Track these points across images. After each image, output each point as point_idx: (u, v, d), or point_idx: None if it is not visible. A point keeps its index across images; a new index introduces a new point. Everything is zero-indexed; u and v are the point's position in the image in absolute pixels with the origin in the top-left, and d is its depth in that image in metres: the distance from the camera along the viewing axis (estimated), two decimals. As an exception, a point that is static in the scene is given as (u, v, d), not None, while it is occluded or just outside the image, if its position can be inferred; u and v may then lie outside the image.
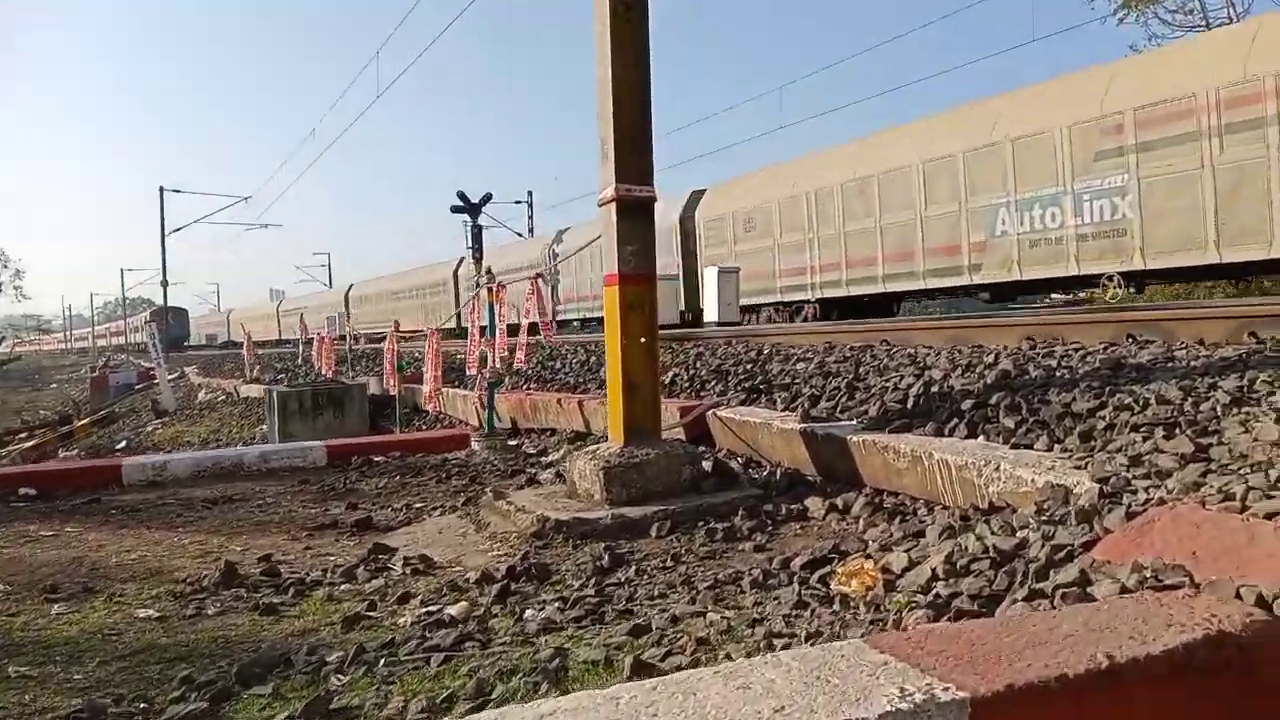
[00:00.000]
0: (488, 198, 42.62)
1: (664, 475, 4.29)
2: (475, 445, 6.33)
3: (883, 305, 19.56)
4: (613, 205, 4.42)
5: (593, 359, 8.70)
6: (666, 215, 24.59)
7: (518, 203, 53.75)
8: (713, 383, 5.98)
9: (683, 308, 24.27)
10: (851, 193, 18.21)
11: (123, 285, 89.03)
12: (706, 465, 4.63)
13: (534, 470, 5.61)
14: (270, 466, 6.20)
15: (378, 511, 4.82)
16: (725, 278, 21.80)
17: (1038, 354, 4.70)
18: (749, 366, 6.15)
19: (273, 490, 5.60)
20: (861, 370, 5.10)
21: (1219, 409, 3.35)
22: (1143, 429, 3.29)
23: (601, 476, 4.19)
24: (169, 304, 73.29)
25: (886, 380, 4.73)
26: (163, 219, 50.06)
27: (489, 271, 6.86)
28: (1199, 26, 30.40)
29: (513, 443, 6.78)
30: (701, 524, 3.93)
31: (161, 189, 50.12)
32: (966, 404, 3.99)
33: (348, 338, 16.50)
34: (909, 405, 4.29)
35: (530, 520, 4.01)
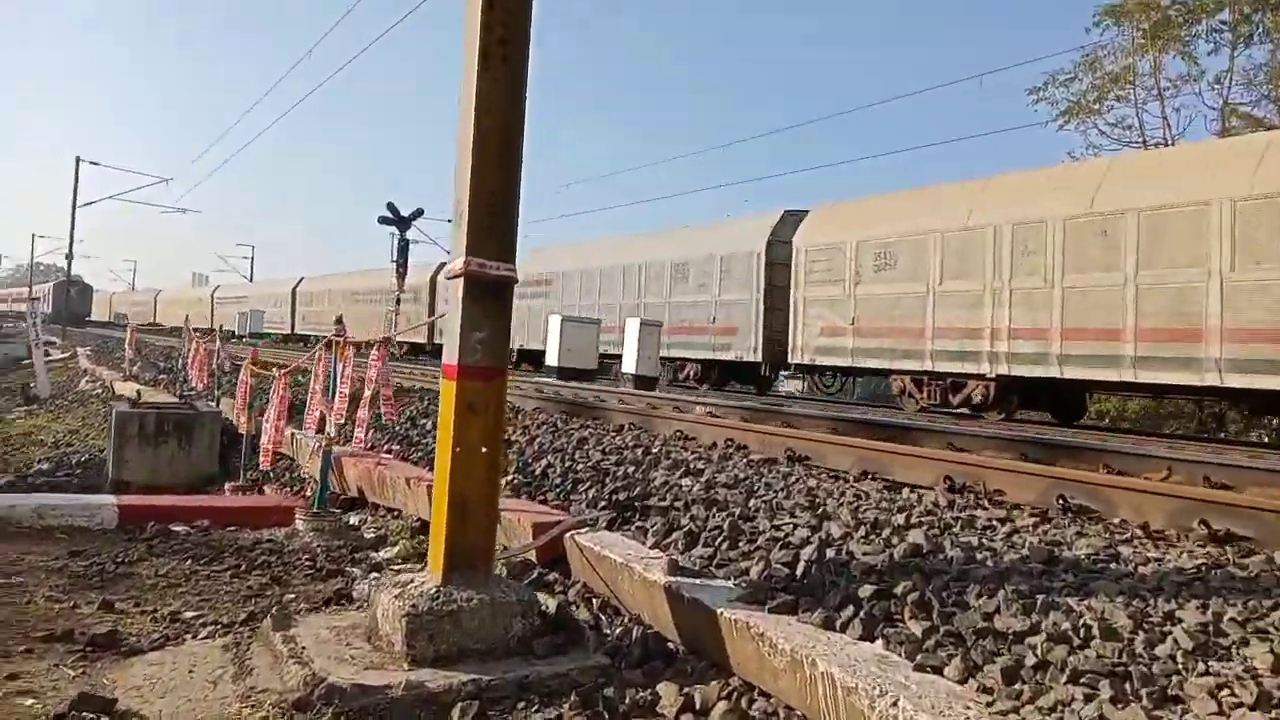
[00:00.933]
0: (419, 212, 41.27)
1: (487, 628, 3.41)
2: (300, 524, 5.36)
3: (1074, 393, 15.02)
4: (460, 281, 3.57)
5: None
6: (747, 239, 21.37)
7: (448, 221, 52.79)
8: (587, 484, 5.13)
9: (757, 358, 20.81)
10: (1084, 233, 13.15)
11: (32, 251, 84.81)
12: (551, 605, 3.78)
13: (356, 571, 4.67)
14: (45, 524, 5.14)
15: (135, 618, 3.83)
16: (647, 330, 21.20)
17: (957, 520, 3.95)
18: (631, 470, 5.31)
19: (31, 561, 4.55)
20: (752, 505, 4.29)
21: (1179, 657, 2.61)
22: (1084, 677, 2.52)
23: (404, 626, 3.28)
24: (72, 278, 70.47)
25: (778, 527, 3.92)
26: (75, 190, 48.00)
27: (338, 320, 5.89)
28: (1136, 143, 31.13)
29: (354, 520, 5.83)
30: (521, 706, 3.07)
31: (78, 159, 48.05)
32: (866, 589, 3.19)
33: (218, 345, 15.11)
34: (798, 571, 3.49)
35: (298, 679, 3.09)
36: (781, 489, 4.64)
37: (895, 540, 3.66)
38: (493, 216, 3.63)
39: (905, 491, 4.74)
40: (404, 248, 40.74)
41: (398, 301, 40.04)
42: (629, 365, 21.02)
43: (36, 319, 23.09)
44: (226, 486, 7.89)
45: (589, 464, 5.57)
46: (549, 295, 29.88)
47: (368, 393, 5.16)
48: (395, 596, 3.41)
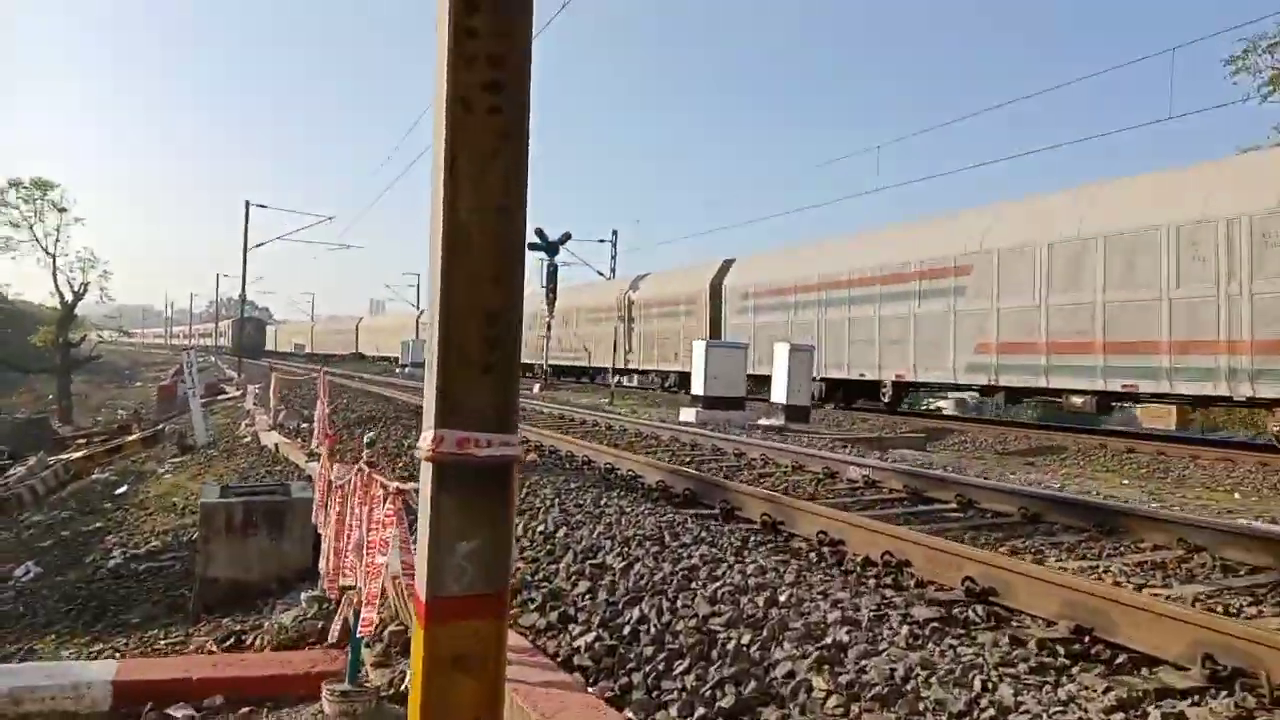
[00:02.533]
0: (566, 236, 41.40)
1: None
2: (326, 705, 4.19)
3: None
4: (430, 467, 2.26)
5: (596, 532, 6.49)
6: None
7: (601, 241, 52.47)
8: (685, 665, 3.74)
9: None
10: None
11: (217, 290, 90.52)
12: None
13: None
14: (24, 712, 4.16)
15: None
16: (798, 357, 19.61)
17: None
18: (746, 640, 3.88)
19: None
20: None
21: None
22: None
23: None
24: (251, 314, 74.39)
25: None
26: (245, 234, 50.17)
27: (366, 455, 4.65)
28: (1354, 109, 27.14)
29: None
30: None
31: (247, 204, 50.40)
32: None
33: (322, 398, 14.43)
34: None
35: None
36: (958, 703, 3.11)
37: None
38: (482, 357, 2.32)
39: (1152, 713, 3.12)
40: (552, 273, 40.60)
41: (548, 328, 39.77)
42: (779, 394, 19.49)
43: (192, 368, 23.42)
44: (303, 597, 6.92)
45: (693, 622, 4.18)
46: (963, 293, 19.67)
47: (368, 561, 3.89)
48: None
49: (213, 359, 74.62)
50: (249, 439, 21.05)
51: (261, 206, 50.41)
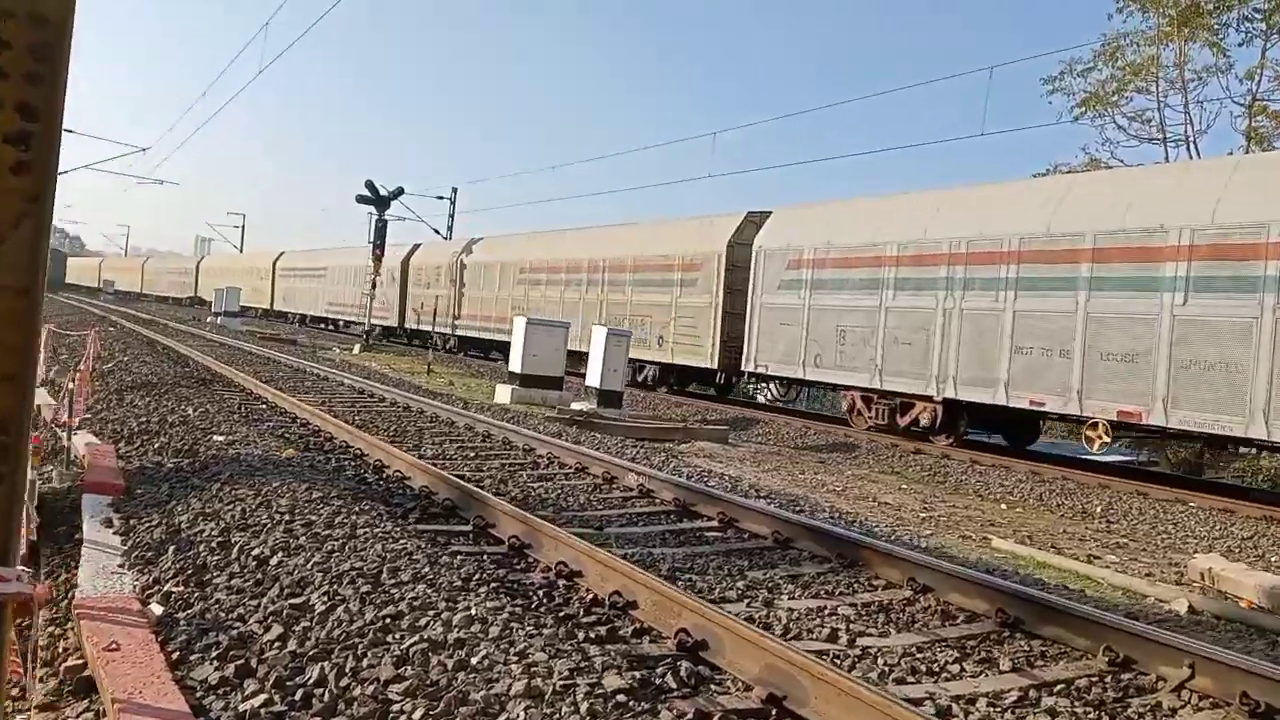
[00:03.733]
0: (399, 191, 39.99)
1: None
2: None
3: None
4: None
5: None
6: None
7: (439, 198, 51.08)
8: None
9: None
10: None
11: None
12: None
13: None
14: None
15: None
16: (614, 340, 19.53)
17: None
18: (419, 713, 3.61)
19: None
20: None
21: None
22: None
23: None
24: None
25: None
26: (48, 159, 46.18)
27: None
28: (1155, 139, 29.23)
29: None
30: None
31: (52, 127, 46.33)
32: None
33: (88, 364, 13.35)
34: None
35: None
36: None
37: None
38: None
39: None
40: (381, 228, 39.10)
41: (373, 285, 38.46)
42: (593, 378, 19.40)
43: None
44: None
45: (372, 688, 3.88)
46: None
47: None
48: None
49: None
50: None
51: (68, 131, 46.52)
